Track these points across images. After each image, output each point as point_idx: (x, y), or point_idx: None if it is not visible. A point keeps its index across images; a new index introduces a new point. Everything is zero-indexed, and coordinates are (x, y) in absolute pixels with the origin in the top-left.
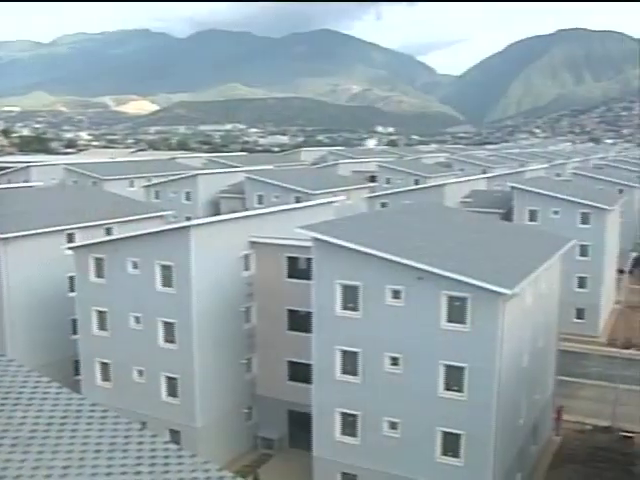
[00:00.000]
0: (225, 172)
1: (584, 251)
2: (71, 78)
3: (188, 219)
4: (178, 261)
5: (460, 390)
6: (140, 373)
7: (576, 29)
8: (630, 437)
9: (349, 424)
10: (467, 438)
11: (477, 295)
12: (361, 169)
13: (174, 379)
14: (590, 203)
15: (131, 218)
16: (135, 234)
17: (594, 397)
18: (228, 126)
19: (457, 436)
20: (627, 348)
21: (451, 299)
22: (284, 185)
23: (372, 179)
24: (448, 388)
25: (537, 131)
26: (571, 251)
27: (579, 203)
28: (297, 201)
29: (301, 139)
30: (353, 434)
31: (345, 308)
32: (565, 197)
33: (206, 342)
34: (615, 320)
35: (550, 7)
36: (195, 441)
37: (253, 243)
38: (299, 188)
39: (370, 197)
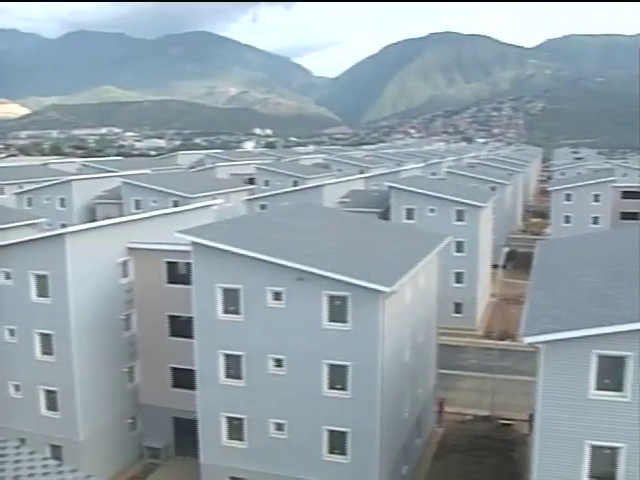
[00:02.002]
0: (101, 177)
1: (460, 247)
2: None
3: (63, 226)
4: (53, 270)
5: (344, 388)
6: (17, 388)
7: (447, 32)
8: (509, 424)
9: (235, 428)
10: (353, 435)
11: (357, 294)
12: (239, 172)
13: (53, 392)
14: (464, 201)
15: (2, 227)
16: (6, 243)
17: (473, 388)
18: (103, 130)
19: (343, 434)
20: (503, 339)
21: (332, 299)
22: (162, 189)
23: (251, 181)
24: (332, 387)
25: (412, 131)
26: (447, 247)
27: (454, 201)
28: (175, 205)
29: (178, 142)
30: (240, 438)
31: (226, 312)
32: (440, 195)
33: (85, 352)
34: (491, 313)
35: (421, 9)
36: (78, 455)
37: (131, 249)
38: (177, 192)
39: (249, 199)
